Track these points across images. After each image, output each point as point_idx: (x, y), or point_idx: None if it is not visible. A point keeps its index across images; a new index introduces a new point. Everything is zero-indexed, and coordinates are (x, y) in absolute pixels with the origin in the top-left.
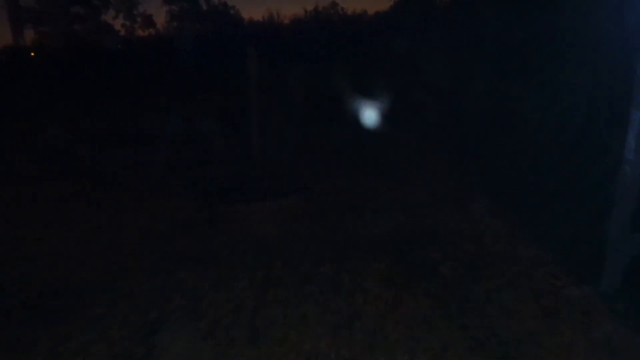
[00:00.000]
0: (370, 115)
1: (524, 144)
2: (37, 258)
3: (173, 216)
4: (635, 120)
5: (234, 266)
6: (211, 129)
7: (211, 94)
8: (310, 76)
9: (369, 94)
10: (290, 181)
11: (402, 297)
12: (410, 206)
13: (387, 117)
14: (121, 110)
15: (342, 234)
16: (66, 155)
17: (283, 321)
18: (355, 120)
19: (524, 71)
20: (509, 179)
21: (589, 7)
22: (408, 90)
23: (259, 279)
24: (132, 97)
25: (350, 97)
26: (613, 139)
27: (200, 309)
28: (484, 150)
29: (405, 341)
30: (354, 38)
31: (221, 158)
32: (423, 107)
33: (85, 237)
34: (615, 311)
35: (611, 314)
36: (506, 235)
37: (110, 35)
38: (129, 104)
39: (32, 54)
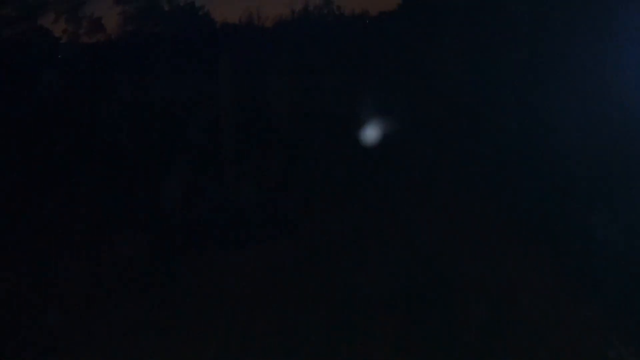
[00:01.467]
0: (372, 135)
1: (565, 170)
2: None
3: (124, 269)
4: None
5: (201, 334)
6: (172, 156)
7: (174, 113)
8: (298, 89)
9: (372, 110)
10: (274, 221)
11: None
12: (424, 251)
13: (394, 137)
14: (60, 133)
15: (340, 288)
16: None
17: None
18: (353, 142)
19: (561, 80)
20: (547, 216)
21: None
22: (420, 104)
23: (234, 350)
24: (74, 116)
25: (348, 113)
26: None
27: None
28: (513, 177)
29: None
30: (354, 43)
31: (184, 193)
32: (438, 124)
33: (8, 299)
34: None
35: None
36: (546, 290)
37: (48, 42)
38: (71, 125)
39: None
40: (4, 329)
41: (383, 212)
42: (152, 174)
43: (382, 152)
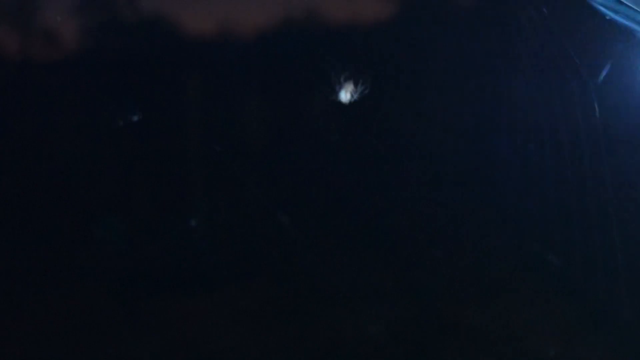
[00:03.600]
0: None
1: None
2: None
3: (72, 313)
4: None
5: None
6: (132, 181)
7: (139, 133)
8: (280, 107)
9: (365, 134)
10: (248, 259)
11: None
12: (419, 294)
13: (388, 162)
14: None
15: (325, 335)
16: None
17: None
18: (343, 168)
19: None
20: (564, 255)
21: None
22: (422, 132)
23: None
24: (17, 135)
25: (335, 136)
26: None
27: None
28: (532, 210)
29: None
30: (343, 56)
31: (146, 225)
32: (436, 156)
33: None
34: None
35: None
36: (558, 332)
37: None
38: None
39: None
40: None
41: (375, 252)
42: (112, 211)
43: (375, 175)
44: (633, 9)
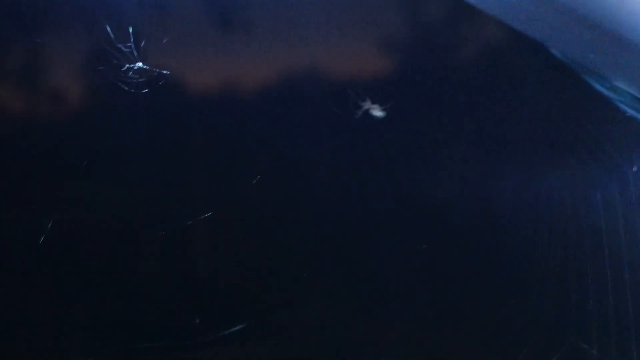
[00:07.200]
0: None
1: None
2: None
3: None
4: None
5: None
6: (128, 232)
7: (138, 202)
8: (286, 171)
9: (368, 193)
10: (247, 308)
11: None
12: (439, 349)
13: (393, 219)
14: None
15: None
16: None
17: None
18: (349, 222)
19: None
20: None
21: None
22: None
23: None
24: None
25: (335, 192)
26: None
27: None
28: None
29: None
30: (345, 113)
31: (143, 278)
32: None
33: None
34: None
35: None
36: None
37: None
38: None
39: None
40: None
41: (384, 296)
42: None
43: (383, 229)
44: None
